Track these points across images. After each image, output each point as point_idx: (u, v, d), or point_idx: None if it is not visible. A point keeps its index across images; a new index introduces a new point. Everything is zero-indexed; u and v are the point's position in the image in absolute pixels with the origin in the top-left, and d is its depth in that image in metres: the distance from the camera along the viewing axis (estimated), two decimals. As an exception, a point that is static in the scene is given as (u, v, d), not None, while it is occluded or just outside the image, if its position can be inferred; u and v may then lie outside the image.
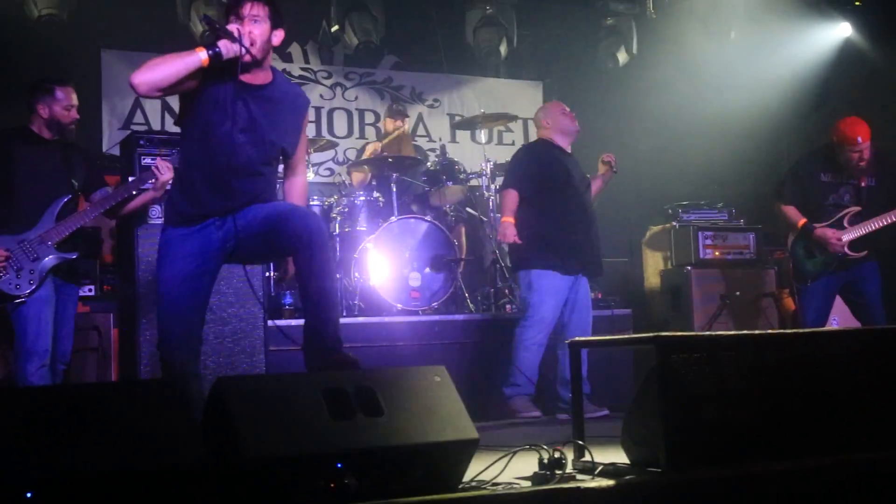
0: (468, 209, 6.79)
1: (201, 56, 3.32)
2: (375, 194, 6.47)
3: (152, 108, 7.80)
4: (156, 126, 7.77)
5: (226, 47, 3.36)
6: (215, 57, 3.33)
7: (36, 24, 6.82)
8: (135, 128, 7.56)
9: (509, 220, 5.33)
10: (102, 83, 7.69)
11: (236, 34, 3.35)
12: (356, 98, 8.67)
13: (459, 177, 6.61)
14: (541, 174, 5.39)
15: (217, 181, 3.47)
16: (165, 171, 4.50)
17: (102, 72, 7.69)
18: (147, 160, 4.97)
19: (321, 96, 8.48)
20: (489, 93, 9.02)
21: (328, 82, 8.59)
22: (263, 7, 3.46)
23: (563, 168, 5.45)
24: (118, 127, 7.65)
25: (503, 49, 7.97)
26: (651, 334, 3.07)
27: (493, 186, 6.66)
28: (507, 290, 6.37)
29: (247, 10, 3.43)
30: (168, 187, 4.58)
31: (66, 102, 4.66)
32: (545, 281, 5.27)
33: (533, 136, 9.18)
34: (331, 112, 8.54)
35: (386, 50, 8.73)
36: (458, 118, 8.49)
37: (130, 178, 4.79)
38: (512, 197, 5.39)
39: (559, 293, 5.29)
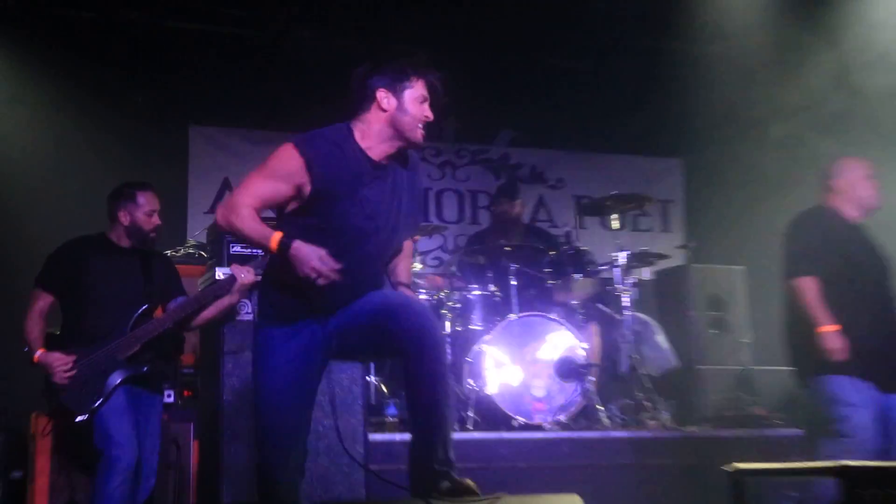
0: (600, 305, 6.65)
1: (272, 245, 3.31)
2: (492, 288, 6.41)
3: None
4: (246, 210, 7.95)
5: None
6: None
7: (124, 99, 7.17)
8: (223, 212, 7.75)
9: (830, 327, 4.60)
10: (189, 162, 7.98)
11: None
12: (468, 178, 8.77)
13: (589, 268, 6.50)
14: (832, 253, 4.74)
15: (344, 276, 3.37)
16: (245, 274, 4.56)
17: (190, 149, 7.98)
18: (236, 248, 5.05)
19: (429, 176, 8.58)
20: (621, 171, 9.01)
21: (437, 160, 8.72)
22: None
23: (859, 246, 4.81)
24: (205, 210, 7.87)
25: (636, 123, 7.96)
26: (835, 464, 2.90)
27: (627, 280, 6.52)
28: (647, 403, 6.16)
29: (429, 92, 3.52)
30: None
31: (147, 208, 4.83)
32: (854, 388, 4.62)
33: (674, 220, 9.41)
34: (440, 194, 8.65)
35: (502, 124, 8.77)
36: (585, 200, 8.44)
37: (216, 272, 4.84)
38: (812, 288, 4.67)
39: (872, 406, 4.63)
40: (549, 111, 8.55)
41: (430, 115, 3.45)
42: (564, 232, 6.96)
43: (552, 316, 6.20)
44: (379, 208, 3.38)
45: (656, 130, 8.66)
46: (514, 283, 6.29)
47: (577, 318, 6.46)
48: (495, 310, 6.34)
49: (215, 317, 4.76)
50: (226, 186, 8.03)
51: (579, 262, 6.49)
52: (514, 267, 6.34)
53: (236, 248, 5.06)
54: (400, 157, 3.50)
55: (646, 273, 7.41)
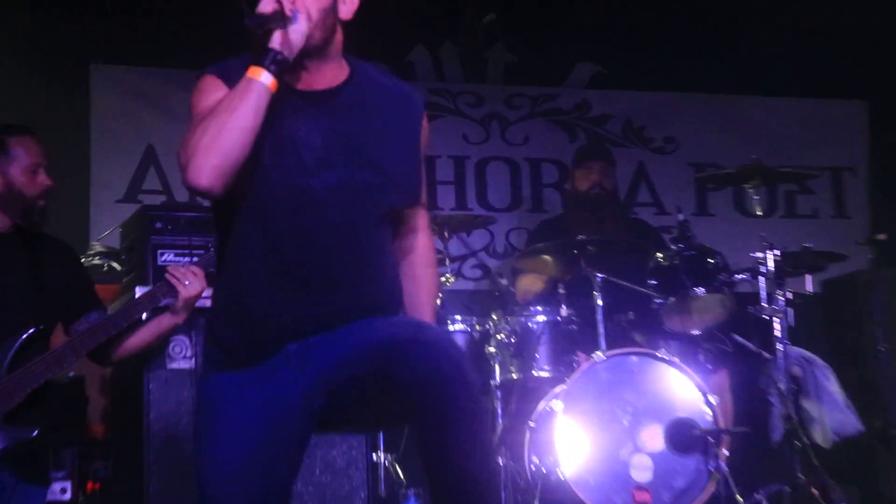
0: (736, 336, 6.61)
1: (264, 81, 3.26)
2: (565, 311, 6.40)
3: (175, 163, 7.96)
4: (181, 194, 7.85)
5: (282, 42, 3.28)
6: (280, 68, 3.29)
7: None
8: (146, 199, 7.75)
9: None
10: (92, 123, 7.97)
11: (288, 10, 3.28)
12: (526, 140, 8.77)
13: (718, 277, 6.41)
14: None
15: (289, 274, 3.40)
16: (191, 281, 4.58)
17: (92, 102, 7.97)
18: (168, 256, 5.12)
19: (465, 137, 8.60)
20: (766, 124, 8.99)
21: (477, 113, 8.71)
22: None
23: None
24: (117, 197, 7.88)
25: (791, 47, 8.08)
26: None
27: (779, 295, 6.44)
28: (815, 490, 6.05)
29: None
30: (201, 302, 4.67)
31: (27, 160, 4.78)
32: None
33: (853, 199, 9.17)
34: (482, 165, 8.64)
35: (579, 55, 8.74)
36: (709, 170, 8.38)
37: (136, 294, 4.85)
38: None
39: None
40: (651, 34, 8.55)
41: None
42: (678, 221, 6.89)
43: (661, 353, 6.14)
44: (329, 155, 3.37)
45: (825, 57, 8.63)
46: (600, 302, 6.25)
47: (701, 356, 6.45)
48: (571, 345, 6.33)
49: (150, 344, 4.80)
50: (150, 160, 8.04)
51: (702, 268, 6.43)
52: (600, 277, 6.31)
53: (168, 257, 5.16)
54: (363, 76, 3.52)
55: (808, 284, 7.37)
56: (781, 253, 6.52)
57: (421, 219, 3.74)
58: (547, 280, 6.92)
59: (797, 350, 6.63)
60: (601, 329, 6.20)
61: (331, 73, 3.47)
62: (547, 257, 6.74)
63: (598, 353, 6.06)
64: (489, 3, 8.59)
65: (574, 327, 6.37)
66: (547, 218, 7.85)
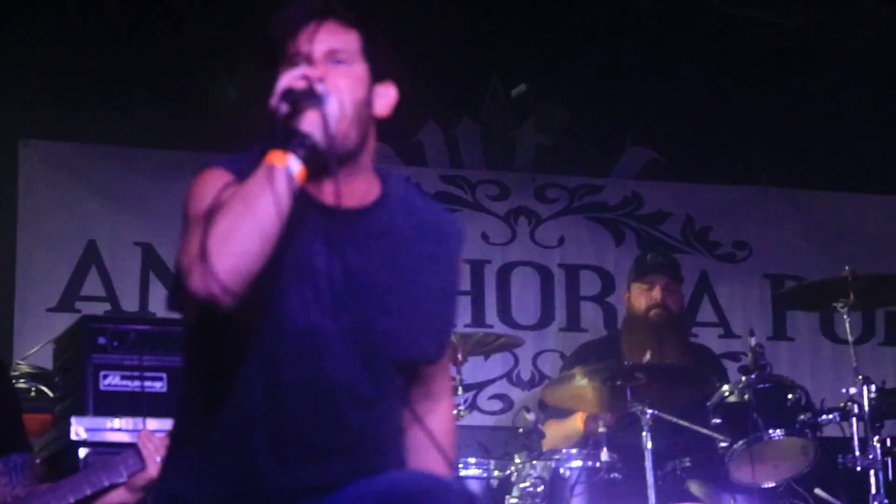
0: (820, 492, 6.61)
1: (292, 168, 3.18)
2: (606, 455, 6.42)
3: (125, 256, 8.08)
4: (130, 302, 8.01)
5: (314, 124, 3.22)
6: (309, 155, 3.22)
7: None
8: (86, 307, 7.77)
9: None
10: (19, 211, 8.01)
11: (320, 88, 3.26)
12: (561, 241, 8.82)
13: (798, 417, 6.48)
14: None
15: (286, 435, 3.37)
16: (157, 456, 4.50)
17: (20, 187, 8.02)
18: (113, 379, 5.12)
19: (485, 237, 8.65)
20: (861, 226, 9.03)
21: (501, 207, 8.77)
22: (348, 31, 3.42)
23: None
24: (49, 305, 7.90)
25: None
26: None
27: (876, 444, 6.44)
28: None
29: (310, 39, 3.38)
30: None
31: None
32: None
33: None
34: (505, 272, 8.70)
35: (629, 136, 8.85)
36: (789, 283, 8.44)
37: (73, 426, 4.90)
38: None
39: None
40: (719, 115, 8.63)
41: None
42: (751, 346, 6.95)
43: (726, 513, 6.18)
44: (348, 292, 3.37)
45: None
46: (649, 444, 6.29)
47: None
48: (613, 498, 6.35)
49: None
50: (90, 258, 8.06)
51: (779, 405, 6.50)
52: (649, 413, 6.36)
53: (112, 380, 5.16)
54: (396, 196, 3.53)
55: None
56: (879, 389, 6.51)
57: (443, 383, 3.74)
58: (586, 421, 6.92)
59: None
60: (651, 478, 6.22)
61: (361, 189, 3.44)
62: (583, 386, 6.70)
63: (648, 512, 6.08)
64: (519, 70, 8.63)
65: (617, 475, 6.39)
66: (591, 340, 7.82)
